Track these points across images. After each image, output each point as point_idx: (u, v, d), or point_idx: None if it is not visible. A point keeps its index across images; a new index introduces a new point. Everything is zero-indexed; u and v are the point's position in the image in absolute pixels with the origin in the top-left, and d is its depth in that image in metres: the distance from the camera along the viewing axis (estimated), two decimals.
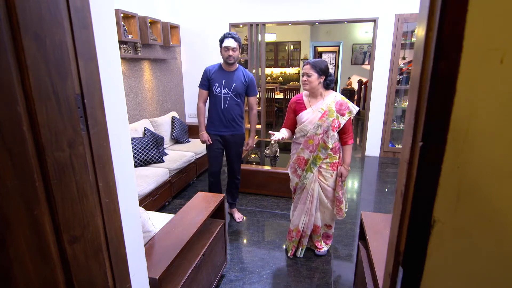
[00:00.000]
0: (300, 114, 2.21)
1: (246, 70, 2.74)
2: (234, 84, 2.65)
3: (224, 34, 2.57)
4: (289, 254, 2.48)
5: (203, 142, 2.79)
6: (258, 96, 5.64)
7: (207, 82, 2.67)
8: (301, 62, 9.27)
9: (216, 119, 2.73)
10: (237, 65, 2.70)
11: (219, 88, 2.65)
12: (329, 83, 2.16)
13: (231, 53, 2.55)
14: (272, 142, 4.06)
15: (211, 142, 2.76)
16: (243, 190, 3.62)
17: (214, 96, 2.67)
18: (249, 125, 3.11)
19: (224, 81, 2.64)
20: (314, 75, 2.08)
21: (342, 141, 2.23)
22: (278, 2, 4.75)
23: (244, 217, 3.08)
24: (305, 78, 2.11)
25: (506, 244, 0.50)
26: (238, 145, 2.84)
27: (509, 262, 0.50)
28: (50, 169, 0.57)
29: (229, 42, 2.53)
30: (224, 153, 2.91)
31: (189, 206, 2.01)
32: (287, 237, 2.52)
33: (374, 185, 4.00)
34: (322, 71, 2.09)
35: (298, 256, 2.48)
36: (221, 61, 2.69)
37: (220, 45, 2.58)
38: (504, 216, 0.49)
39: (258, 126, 5.52)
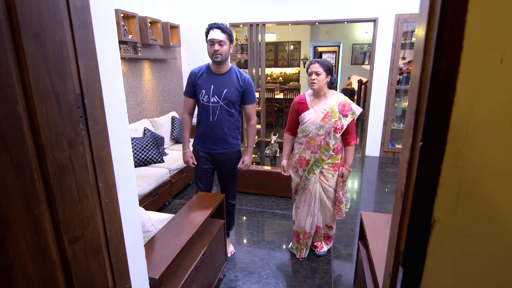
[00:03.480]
0: (302, 115, 2.19)
1: (242, 71, 2.19)
2: (225, 90, 2.10)
3: (209, 25, 2.03)
4: (298, 256, 2.46)
5: (185, 162, 2.29)
6: (258, 96, 5.61)
7: (192, 88, 2.18)
8: (301, 62, 9.27)
9: (204, 134, 2.22)
10: (230, 65, 2.15)
11: (206, 96, 2.12)
12: (333, 82, 2.16)
13: (217, 47, 2.00)
14: (273, 142, 4.04)
15: (196, 164, 2.29)
16: (243, 190, 3.62)
17: (202, 106, 2.16)
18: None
19: (212, 86, 2.11)
20: (323, 74, 2.06)
21: (345, 141, 2.21)
22: (278, 2, 4.75)
23: (234, 251, 2.56)
24: (313, 77, 2.07)
25: (506, 244, 0.50)
26: (233, 164, 2.31)
27: (509, 262, 0.50)
28: (50, 169, 0.57)
29: (215, 34, 1.99)
30: (216, 172, 2.42)
31: (189, 206, 2.01)
32: (293, 239, 2.50)
33: (374, 185, 4.00)
34: (330, 69, 2.09)
35: (303, 257, 2.47)
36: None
37: (206, 40, 2.06)
38: (504, 216, 0.49)
39: (258, 126, 5.50)
